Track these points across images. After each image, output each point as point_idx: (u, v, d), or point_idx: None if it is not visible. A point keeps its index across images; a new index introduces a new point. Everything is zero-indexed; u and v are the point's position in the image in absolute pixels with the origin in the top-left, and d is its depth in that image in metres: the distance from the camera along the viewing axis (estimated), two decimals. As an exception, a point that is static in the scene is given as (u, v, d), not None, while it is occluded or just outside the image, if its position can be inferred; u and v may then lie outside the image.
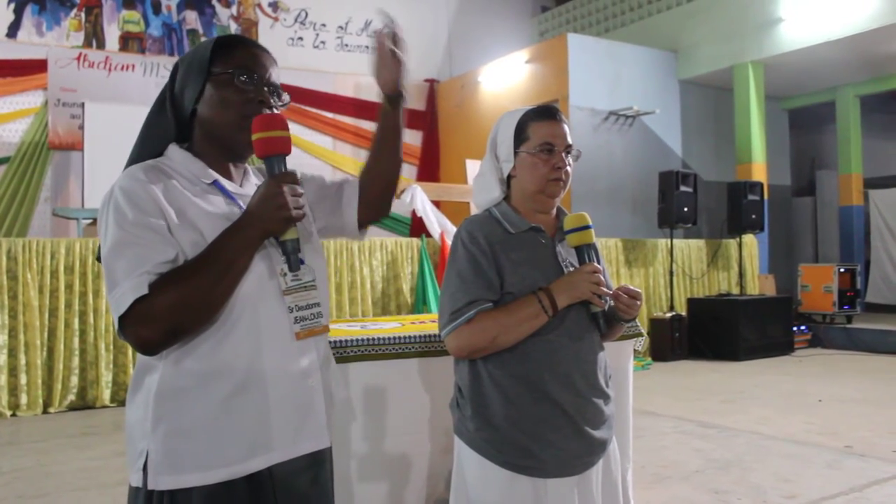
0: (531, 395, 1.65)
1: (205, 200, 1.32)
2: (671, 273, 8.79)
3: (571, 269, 1.73)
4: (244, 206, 1.31)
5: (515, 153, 1.75)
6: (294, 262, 1.32)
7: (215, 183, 1.36)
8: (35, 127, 9.34)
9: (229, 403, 1.26)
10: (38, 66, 9.40)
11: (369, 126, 9.04)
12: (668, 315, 8.35)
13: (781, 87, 10.92)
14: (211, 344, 1.25)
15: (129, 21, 10.07)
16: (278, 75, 1.41)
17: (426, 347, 2.71)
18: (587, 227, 1.70)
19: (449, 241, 5.95)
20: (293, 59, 10.64)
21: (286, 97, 1.41)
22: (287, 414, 1.31)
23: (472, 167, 7.71)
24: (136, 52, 10.04)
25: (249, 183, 1.45)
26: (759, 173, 9.89)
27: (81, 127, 8.98)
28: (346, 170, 10.87)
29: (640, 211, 9.81)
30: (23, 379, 5.70)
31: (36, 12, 9.51)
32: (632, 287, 1.70)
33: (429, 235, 7.48)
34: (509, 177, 1.78)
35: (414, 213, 7.73)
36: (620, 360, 3.03)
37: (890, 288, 10.67)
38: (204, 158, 1.37)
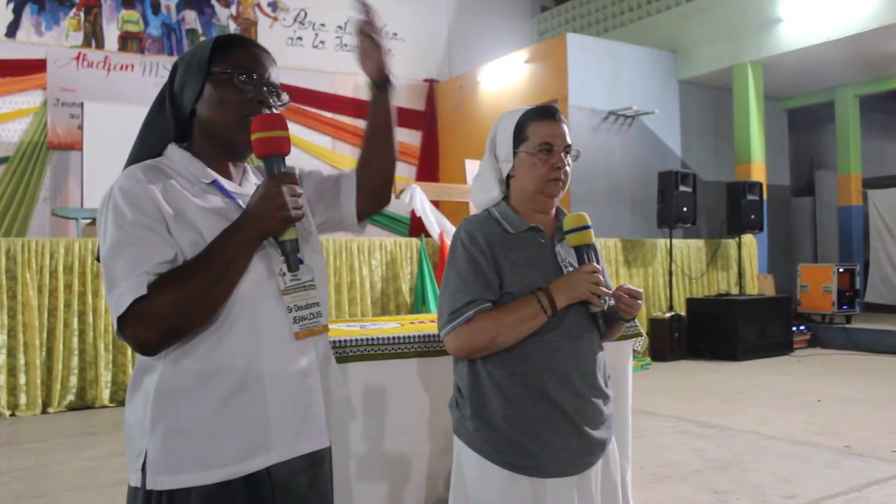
0: (530, 395, 1.65)
1: (204, 200, 1.31)
2: (670, 273, 8.79)
3: (570, 269, 1.73)
4: (244, 206, 1.31)
5: (514, 153, 1.75)
6: (293, 262, 1.32)
7: (214, 183, 1.35)
8: (34, 127, 9.33)
9: (228, 403, 1.26)
10: (38, 66, 9.39)
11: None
12: (668, 315, 8.35)
13: (780, 87, 10.93)
14: (210, 344, 1.25)
15: (129, 21, 10.07)
16: (277, 75, 1.41)
17: (425, 347, 2.71)
18: (586, 227, 1.70)
19: (448, 241, 5.95)
20: (292, 59, 10.64)
21: (285, 97, 1.41)
22: (286, 414, 1.31)
23: (472, 167, 7.72)
24: (135, 51, 10.03)
25: (249, 182, 1.44)
26: (758, 173, 9.89)
27: (80, 127, 8.99)
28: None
29: (640, 211, 9.82)
30: (22, 379, 5.70)
31: (35, 12, 9.50)
32: (633, 287, 1.70)
33: (428, 235, 7.48)
34: (508, 177, 1.78)
35: (413, 213, 7.73)
36: (620, 360, 3.03)
37: (889, 288, 10.68)
38: (203, 158, 1.37)
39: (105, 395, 5.95)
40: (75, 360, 5.89)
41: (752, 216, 9.19)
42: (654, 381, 6.94)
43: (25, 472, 4.18)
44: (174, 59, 1.42)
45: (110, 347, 6.01)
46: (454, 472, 1.76)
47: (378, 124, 1.54)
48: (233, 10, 10.76)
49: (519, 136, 1.74)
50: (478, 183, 1.84)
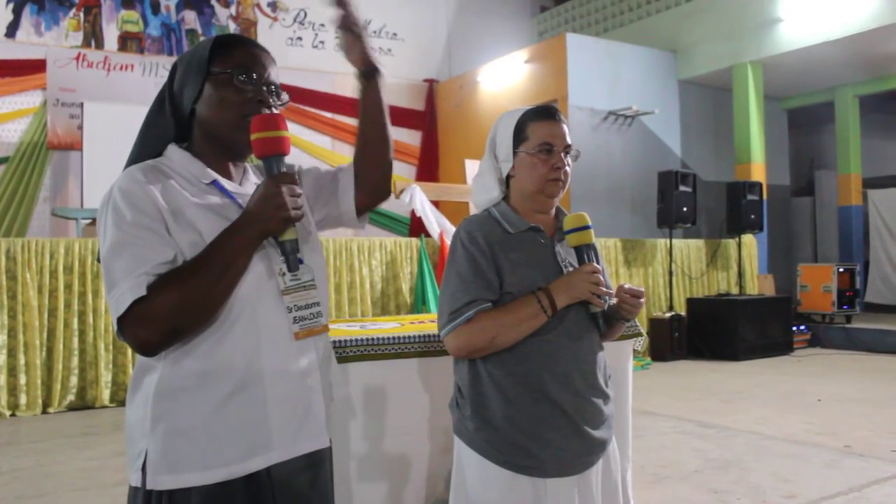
0: (530, 395, 1.65)
1: (204, 200, 1.31)
2: (670, 273, 8.79)
3: (570, 269, 1.73)
4: (244, 206, 1.31)
5: (514, 153, 1.75)
6: (293, 262, 1.32)
7: (214, 183, 1.35)
8: (34, 127, 9.33)
9: (228, 403, 1.26)
10: (37, 66, 9.39)
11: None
12: (668, 315, 8.35)
13: (780, 87, 10.93)
14: (210, 344, 1.25)
15: (128, 21, 10.07)
16: (277, 74, 1.41)
17: (425, 347, 2.71)
18: (587, 228, 1.70)
19: (448, 241, 5.94)
20: (292, 59, 10.64)
21: (285, 96, 1.41)
22: (286, 414, 1.31)
23: (472, 167, 7.71)
24: (134, 52, 10.03)
25: (249, 182, 1.44)
26: (758, 173, 9.89)
27: (80, 127, 8.99)
28: (346, 170, 10.87)
29: (640, 211, 9.82)
30: (22, 379, 5.70)
31: (35, 12, 9.50)
32: (634, 286, 1.70)
33: (428, 235, 7.48)
34: (508, 177, 1.78)
35: (413, 213, 7.73)
36: (620, 360, 3.03)
37: (889, 288, 10.68)
38: (203, 158, 1.37)
39: (105, 395, 5.95)
40: (75, 361, 5.89)
41: (752, 216, 9.19)
42: (654, 380, 6.94)
43: (26, 472, 4.18)
44: (174, 59, 1.42)
45: (110, 347, 6.01)
46: (454, 472, 1.76)
47: (369, 115, 1.53)
48: (232, 10, 10.76)
49: (519, 136, 1.74)
50: (478, 183, 1.84)
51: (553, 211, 1.81)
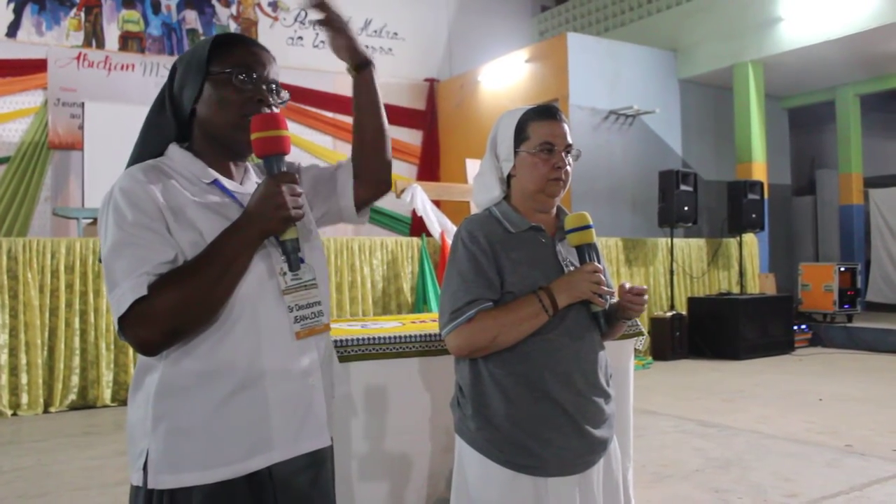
0: (532, 395, 1.65)
1: (204, 200, 1.31)
2: (671, 272, 8.79)
3: (572, 268, 1.73)
4: (245, 205, 1.31)
5: (515, 152, 1.75)
6: (294, 261, 1.32)
7: (215, 182, 1.35)
8: (35, 127, 9.34)
9: (229, 403, 1.26)
10: (38, 66, 9.40)
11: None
12: (669, 314, 8.35)
13: (781, 86, 10.92)
14: (210, 343, 1.25)
15: (129, 20, 10.07)
16: (277, 72, 1.40)
17: (427, 347, 2.71)
18: (588, 227, 1.70)
19: (449, 241, 5.94)
20: (293, 59, 10.64)
21: (285, 94, 1.41)
22: (287, 413, 1.31)
23: (472, 166, 7.71)
24: (135, 51, 10.04)
25: (250, 181, 1.44)
26: (759, 172, 9.89)
27: (81, 126, 8.99)
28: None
29: (641, 210, 9.81)
30: (24, 378, 5.70)
31: (35, 12, 9.51)
32: (637, 285, 1.71)
33: (429, 235, 7.48)
34: (509, 176, 1.78)
35: (414, 212, 7.73)
36: (621, 360, 3.03)
37: (890, 287, 10.68)
38: (204, 158, 1.37)
39: (107, 394, 5.96)
40: (77, 360, 5.90)
41: (753, 215, 9.19)
42: (655, 380, 6.94)
43: (27, 471, 4.18)
44: (175, 58, 1.42)
45: (112, 347, 6.02)
46: (456, 472, 1.76)
47: (364, 108, 1.52)
48: (233, 9, 10.77)
49: (520, 135, 1.74)
50: (479, 182, 1.84)
51: (554, 210, 1.81)
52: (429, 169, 11.80)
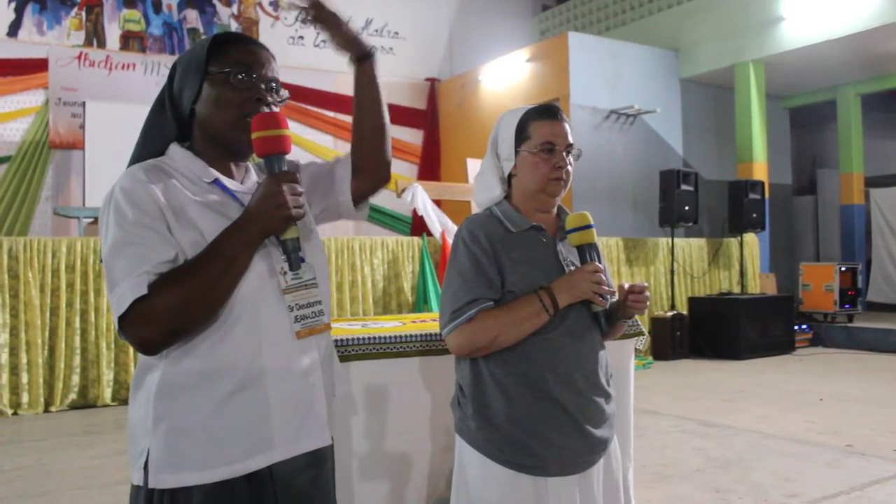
0: (532, 394, 1.65)
1: (205, 199, 1.31)
2: (672, 272, 8.79)
3: (572, 268, 1.73)
4: (245, 204, 1.31)
5: (516, 152, 1.75)
6: (294, 260, 1.32)
7: (216, 181, 1.35)
8: (36, 126, 9.35)
9: (230, 402, 1.26)
10: (39, 66, 9.41)
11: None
12: (670, 314, 8.35)
13: (782, 85, 10.91)
14: (211, 343, 1.25)
15: (130, 20, 10.07)
16: (276, 71, 1.40)
17: (427, 346, 2.71)
18: (589, 227, 1.70)
19: (450, 240, 5.95)
20: (294, 58, 10.64)
21: (284, 93, 1.40)
22: (287, 413, 1.31)
23: (473, 166, 7.72)
24: (136, 51, 10.04)
25: (251, 180, 1.44)
26: (760, 172, 9.88)
27: (82, 126, 9.00)
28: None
29: (641, 210, 9.81)
30: (24, 377, 5.71)
31: (37, 11, 9.51)
32: (636, 283, 1.70)
33: (430, 234, 7.48)
34: (510, 175, 1.78)
35: (415, 211, 7.73)
36: (621, 359, 3.02)
37: (891, 287, 10.67)
38: (204, 157, 1.37)
39: (107, 393, 5.96)
40: (77, 359, 5.90)
41: (754, 215, 9.18)
42: (655, 379, 6.94)
43: (28, 470, 4.19)
44: (176, 58, 1.41)
45: (112, 346, 6.02)
46: (456, 471, 1.76)
47: (364, 102, 1.51)
48: (234, 8, 10.77)
49: (521, 135, 1.74)
50: (479, 182, 1.84)
51: (555, 210, 1.81)
52: (430, 168, 11.80)
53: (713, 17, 10.10)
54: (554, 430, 1.64)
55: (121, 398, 5.97)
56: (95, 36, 9.83)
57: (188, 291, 1.20)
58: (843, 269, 9.59)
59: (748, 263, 9.52)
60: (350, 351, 2.59)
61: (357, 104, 1.52)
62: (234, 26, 10.69)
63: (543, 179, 1.72)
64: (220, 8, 10.67)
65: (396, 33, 11.67)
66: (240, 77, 1.33)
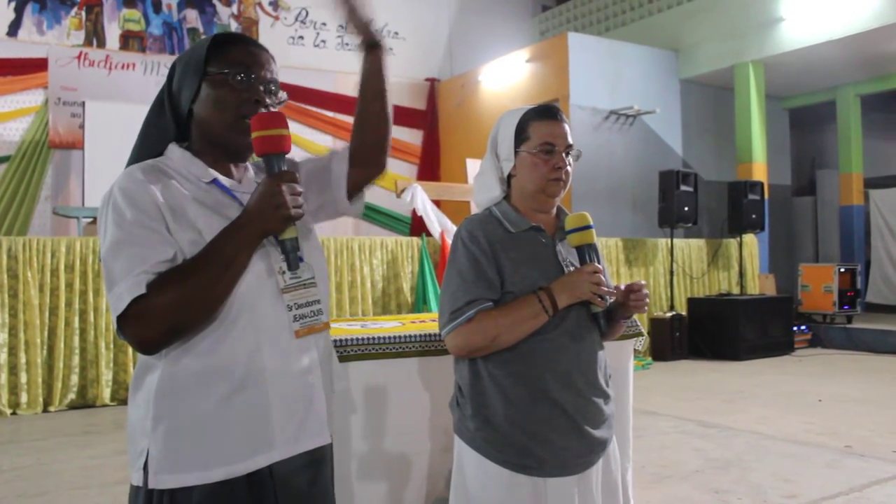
0: (531, 395, 1.65)
1: (204, 199, 1.31)
2: (671, 272, 8.79)
3: (572, 268, 1.73)
4: (244, 204, 1.31)
5: (516, 152, 1.75)
6: (293, 260, 1.32)
7: (215, 181, 1.35)
8: (35, 126, 9.34)
9: (229, 402, 1.26)
10: (39, 65, 9.40)
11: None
12: (669, 314, 8.35)
13: (782, 86, 10.92)
14: (210, 343, 1.25)
15: (130, 20, 10.07)
16: (276, 72, 1.39)
17: (426, 346, 2.71)
18: (588, 227, 1.70)
19: (449, 241, 5.94)
20: (294, 58, 10.64)
21: (283, 95, 1.40)
22: (287, 412, 1.31)
23: (473, 166, 7.71)
24: (136, 50, 10.04)
25: (249, 180, 1.44)
26: (759, 173, 9.88)
27: (82, 126, 8.99)
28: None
29: (641, 210, 9.81)
30: (23, 377, 5.70)
31: (36, 11, 9.51)
32: (633, 282, 1.71)
33: (429, 234, 7.48)
34: (510, 176, 1.78)
35: (414, 212, 7.73)
36: (621, 360, 3.03)
37: (890, 288, 10.67)
38: (203, 157, 1.36)
39: (106, 393, 5.96)
40: (76, 359, 5.90)
41: (754, 216, 9.18)
42: (654, 380, 6.94)
43: (27, 470, 4.18)
44: (175, 58, 1.41)
45: (111, 346, 6.01)
46: (455, 472, 1.76)
47: (370, 88, 1.48)
48: (234, 8, 10.77)
49: (520, 135, 1.74)
50: (479, 182, 1.84)
51: (554, 210, 1.81)
52: (429, 169, 11.80)
53: (713, 18, 10.11)
54: (553, 431, 1.64)
55: (120, 398, 5.96)
56: (95, 36, 9.83)
57: (187, 291, 1.20)
58: (842, 270, 9.59)
59: (747, 264, 9.52)
60: (349, 351, 2.60)
61: (362, 92, 1.49)
62: (233, 26, 10.69)
63: (543, 180, 1.72)
64: (219, 8, 10.67)
65: (396, 33, 11.67)
66: (239, 78, 1.33)
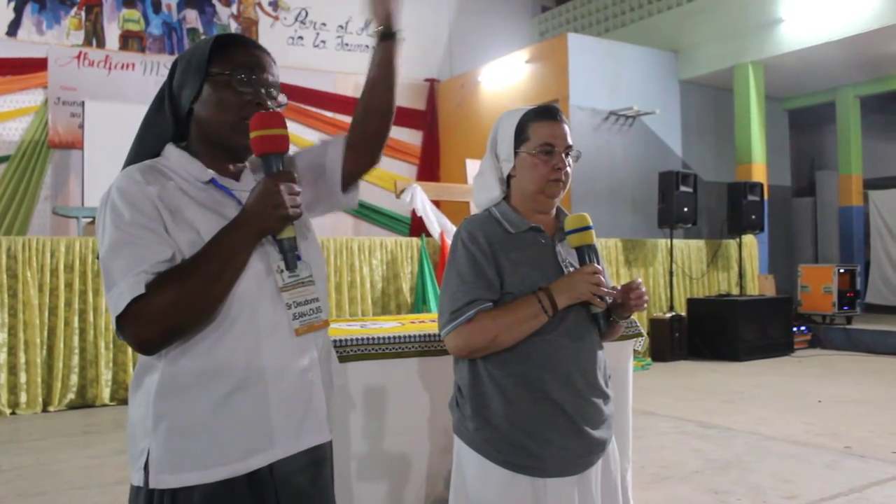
0: (531, 395, 1.65)
1: (202, 199, 1.31)
2: (671, 273, 8.79)
3: (571, 269, 1.73)
4: (242, 203, 1.31)
5: (515, 153, 1.75)
6: (291, 259, 1.32)
7: (213, 181, 1.35)
8: (35, 125, 9.34)
9: (229, 402, 1.26)
10: (39, 65, 9.40)
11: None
12: (668, 315, 8.35)
13: (781, 87, 10.92)
14: (209, 342, 1.25)
15: (130, 20, 10.07)
16: (277, 75, 1.39)
17: (426, 347, 2.71)
18: (588, 228, 1.70)
19: (449, 241, 5.94)
20: (293, 59, 10.64)
21: (283, 98, 1.40)
22: (287, 410, 1.31)
23: (472, 167, 7.71)
24: (136, 50, 10.04)
25: (248, 179, 1.43)
26: (759, 174, 9.89)
27: (81, 126, 8.99)
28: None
29: (640, 211, 9.81)
30: (22, 377, 5.70)
31: (36, 11, 9.50)
32: (629, 282, 1.71)
33: (429, 235, 7.48)
34: (509, 176, 1.78)
35: (414, 212, 7.73)
36: (620, 360, 3.03)
37: (889, 289, 10.68)
38: (201, 157, 1.36)
39: (106, 393, 5.95)
40: (76, 359, 5.90)
41: (753, 216, 9.19)
42: (654, 381, 6.94)
43: (26, 470, 4.18)
44: (175, 58, 1.41)
45: (111, 346, 6.01)
46: (454, 472, 1.76)
47: (381, 79, 1.46)
48: (234, 9, 10.77)
49: (520, 136, 1.74)
50: (478, 182, 1.84)
51: (554, 211, 1.81)
52: (429, 169, 11.80)
53: (712, 19, 10.11)
54: (552, 431, 1.64)
55: (119, 398, 5.96)
56: (95, 36, 9.83)
57: (186, 290, 1.20)
58: (841, 270, 9.59)
59: (747, 265, 9.53)
60: (349, 351, 2.60)
61: (372, 82, 1.47)
62: (233, 26, 10.69)
63: (542, 180, 1.72)
64: (219, 8, 10.67)
65: (396, 34, 11.66)
66: (241, 80, 1.33)
